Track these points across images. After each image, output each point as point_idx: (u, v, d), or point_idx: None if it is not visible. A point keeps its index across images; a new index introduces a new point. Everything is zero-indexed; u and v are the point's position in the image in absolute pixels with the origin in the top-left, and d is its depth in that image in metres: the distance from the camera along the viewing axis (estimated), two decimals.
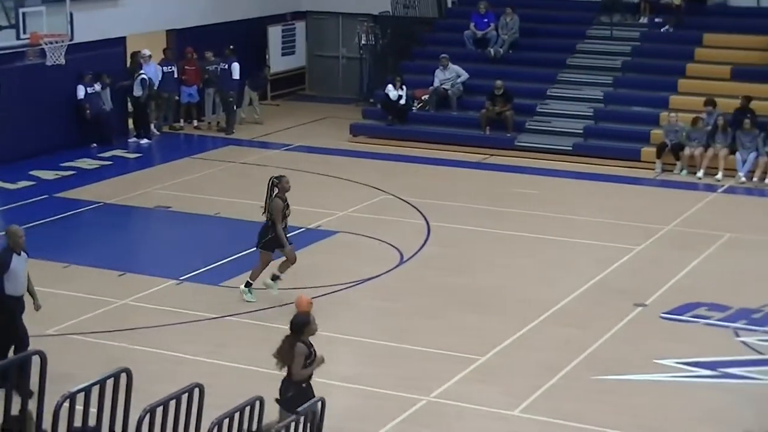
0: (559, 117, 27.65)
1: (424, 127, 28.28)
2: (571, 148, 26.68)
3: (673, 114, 26.14)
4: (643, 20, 30.05)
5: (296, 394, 11.12)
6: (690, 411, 13.44)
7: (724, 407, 13.45)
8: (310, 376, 11.38)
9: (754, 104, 25.95)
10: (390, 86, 28.33)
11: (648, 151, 25.93)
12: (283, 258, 16.77)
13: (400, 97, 28.25)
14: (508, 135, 27.29)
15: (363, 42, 32.41)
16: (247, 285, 16.82)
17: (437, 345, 15.10)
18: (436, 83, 28.57)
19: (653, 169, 25.42)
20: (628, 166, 25.58)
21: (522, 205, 22.29)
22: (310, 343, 11.36)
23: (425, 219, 21.05)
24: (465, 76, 28.49)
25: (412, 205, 21.99)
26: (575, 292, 17.26)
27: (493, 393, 13.70)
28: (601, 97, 28.01)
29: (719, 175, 24.81)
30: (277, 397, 11.20)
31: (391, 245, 19.46)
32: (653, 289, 17.39)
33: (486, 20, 30.03)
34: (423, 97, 28.67)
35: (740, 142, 25.08)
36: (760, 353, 15.06)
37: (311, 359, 11.31)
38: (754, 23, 28.77)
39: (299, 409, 9.57)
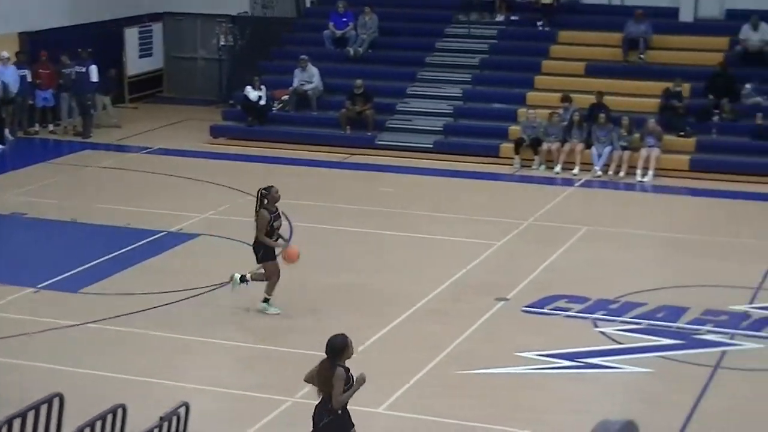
0: (419, 115, 27.85)
1: (284, 127, 28.23)
2: (431, 146, 26.90)
3: (531, 111, 26.56)
4: (500, 18, 30.44)
5: (333, 421, 10.39)
6: (551, 401, 13.66)
7: (584, 397, 13.70)
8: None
9: (607, 99, 26.50)
10: (249, 87, 28.20)
11: (507, 147, 26.29)
12: (261, 269, 16.39)
13: (259, 98, 28.14)
14: (369, 134, 27.39)
15: (222, 43, 32.22)
16: (266, 300, 16.43)
17: (302, 345, 15.06)
18: (295, 83, 28.53)
19: (512, 165, 25.78)
20: (488, 163, 25.91)
21: (384, 203, 22.41)
22: (347, 367, 10.51)
23: (288, 220, 20.98)
24: (316, 81, 28.50)
25: None
26: (438, 289, 17.40)
27: (357, 391, 13.71)
28: (460, 95, 28.31)
29: (576, 170, 25.28)
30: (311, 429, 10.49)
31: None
32: (514, 284, 17.63)
33: (345, 20, 30.10)
34: (283, 98, 28.62)
35: (595, 136, 25.58)
36: (618, 343, 15.38)
37: (350, 384, 10.46)
38: (607, 20, 29.37)
39: (163, 415, 9.41)
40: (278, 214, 16.24)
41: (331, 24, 30.23)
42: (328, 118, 28.20)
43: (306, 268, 18.32)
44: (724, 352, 15.08)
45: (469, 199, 23.08)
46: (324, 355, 10.48)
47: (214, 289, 17.32)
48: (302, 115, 28.45)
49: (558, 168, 25.47)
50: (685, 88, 26.83)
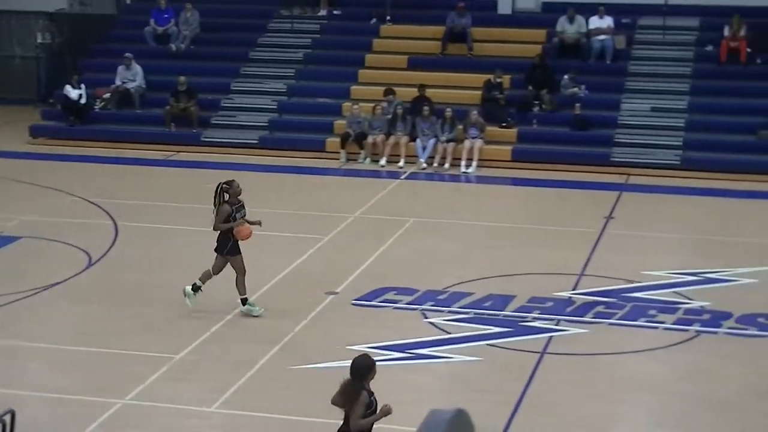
0: (244, 111, 27.76)
1: (107, 126, 27.81)
2: (257, 142, 26.84)
3: (355, 105, 26.71)
4: (323, 12, 30.51)
5: None
6: (382, 393, 13.71)
7: (414, 387, 13.83)
8: (370, 428, 10.04)
9: (430, 92, 26.83)
10: (69, 86, 27.65)
11: (332, 142, 26.39)
12: (210, 269, 16.04)
13: (80, 96, 27.61)
14: (194, 131, 27.18)
15: (39, 41, 31.47)
16: (244, 302, 16.06)
17: (131, 346, 14.86)
18: (118, 81, 28.10)
19: (338, 159, 25.89)
20: (314, 157, 25.97)
21: (210, 200, 22.16)
22: (371, 391, 10.05)
23: (113, 219, 20.67)
24: (139, 79, 28.16)
25: (99, 206, 21.55)
26: (268, 284, 17.36)
27: (189, 391, 13.60)
28: (285, 90, 28.31)
29: (401, 162, 25.54)
30: None
31: (79, 248, 19.01)
32: (343, 277, 17.71)
33: (166, 16, 29.78)
34: (104, 96, 28.14)
35: (420, 129, 25.89)
36: (447, 332, 15.59)
37: (372, 409, 9.96)
38: (428, 14, 29.71)
39: None
40: (241, 205, 16.01)
41: (152, 20, 29.86)
42: (152, 116, 27.87)
43: (131, 267, 18.09)
44: (550, 338, 15.43)
45: (296, 194, 23.09)
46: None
47: (38, 292, 16.93)
48: (125, 114, 28.06)
49: (383, 161, 25.68)
50: (506, 79, 27.36)
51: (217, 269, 16.08)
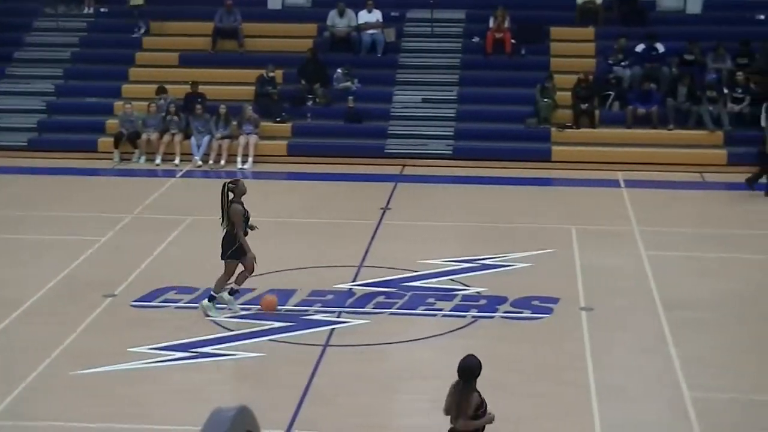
0: (10, 113, 27.05)
1: None
2: (26, 144, 26.16)
3: (127, 104, 26.31)
4: (89, 11, 29.93)
5: None
6: (166, 394, 13.62)
7: (198, 386, 13.74)
8: (481, 430, 9.89)
9: (203, 89, 26.68)
10: None
11: (105, 142, 25.96)
12: (241, 268, 15.89)
13: None
14: None
15: None
16: (211, 299, 15.84)
17: None
18: None
19: (112, 159, 25.46)
20: (87, 158, 25.46)
21: None
22: (479, 392, 9.91)
23: None
24: None
25: None
26: (44, 289, 16.95)
27: None
28: (53, 90, 27.65)
29: (177, 161, 25.32)
30: None
31: None
32: (122, 279, 17.45)
33: None
34: None
35: (193, 126, 25.70)
36: (230, 330, 15.54)
37: (483, 410, 9.87)
38: (198, 10, 29.48)
39: None
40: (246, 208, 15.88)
41: None
42: None
43: None
44: (332, 330, 15.56)
45: (69, 196, 22.59)
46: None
47: None
48: None
49: (158, 160, 25.41)
50: (279, 74, 27.42)
51: (231, 274, 15.97)
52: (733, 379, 14.01)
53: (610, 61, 27.48)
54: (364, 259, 18.59)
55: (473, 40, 28.78)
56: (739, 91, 26.13)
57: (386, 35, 28.61)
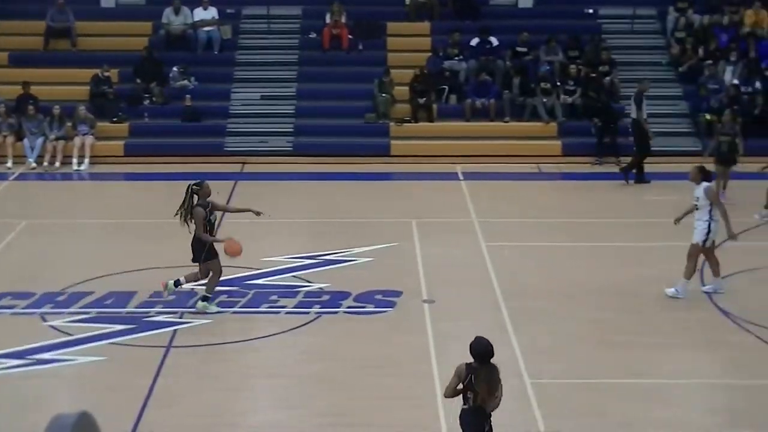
0: None
1: None
2: None
3: None
4: None
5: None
6: (4, 403, 13.28)
7: (38, 393, 13.44)
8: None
9: (35, 90, 26.11)
10: None
11: None
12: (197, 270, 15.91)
13: None
14: None
15: None
16: (205, 299, 15.96)
17: None
18: None
19: None
20: None
21: None
22: None
23: None
24: None
25: None
26: None
27: None
28: None
29: (9, 163, 24.74)
30: None
31: None
32: None
33: None
34: None
35: (26, 128, 25.15)
36: (69, 334, 15.24)
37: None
38: (29, 9, 28.82)
39: None
40: (211, 208, 15.76)
41: None
42: None
43: None
44: (175, 332, 15.38)
45: None
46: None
47: None
48: None
49: None
50: (114, 73, 27.01)
51: (204, 274, 15.93)
52: (570, 365, 14.32)
53: (442, 55, 27.77)
54: None
55: (310, 35, 28.78)
56: (572, 83, 26.71)
57: (222, 32, 28.42)
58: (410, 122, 26.66)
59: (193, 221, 15.80)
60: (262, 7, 29.10)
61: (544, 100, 26.42)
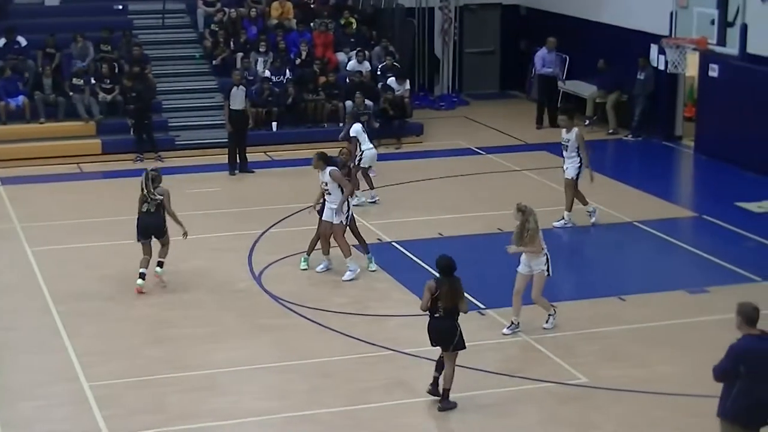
0: None
1: None
2: None
3: None
4: None
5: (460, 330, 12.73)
6: None
7: None
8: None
9: None
10: None
11: None
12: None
13: None
14: None
15: None
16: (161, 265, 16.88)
17: None
18: None
19: None
20: None
21: None
22: None
23: None
24: None
25: None
26: None
27: None
28: None
29: None
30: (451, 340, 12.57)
31: None
32: None
33: None
34: None
35: None
36: None
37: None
38: None
39: None
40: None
41: None
42: None
43: None
44: None
45: None
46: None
47: None
48: None
49: None
50: None
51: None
52: (126, 364, 14.36)
53: None
54: None
55: None
56: (108, 81, 26.45)
57: None
58: None
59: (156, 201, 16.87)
60: None
61: (80, 98, 25.97)
